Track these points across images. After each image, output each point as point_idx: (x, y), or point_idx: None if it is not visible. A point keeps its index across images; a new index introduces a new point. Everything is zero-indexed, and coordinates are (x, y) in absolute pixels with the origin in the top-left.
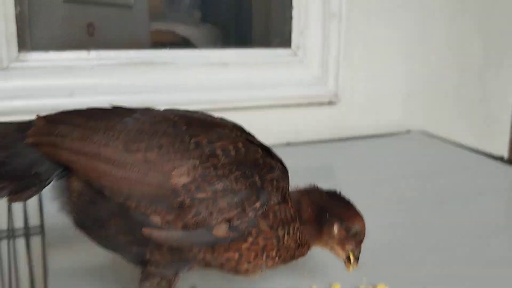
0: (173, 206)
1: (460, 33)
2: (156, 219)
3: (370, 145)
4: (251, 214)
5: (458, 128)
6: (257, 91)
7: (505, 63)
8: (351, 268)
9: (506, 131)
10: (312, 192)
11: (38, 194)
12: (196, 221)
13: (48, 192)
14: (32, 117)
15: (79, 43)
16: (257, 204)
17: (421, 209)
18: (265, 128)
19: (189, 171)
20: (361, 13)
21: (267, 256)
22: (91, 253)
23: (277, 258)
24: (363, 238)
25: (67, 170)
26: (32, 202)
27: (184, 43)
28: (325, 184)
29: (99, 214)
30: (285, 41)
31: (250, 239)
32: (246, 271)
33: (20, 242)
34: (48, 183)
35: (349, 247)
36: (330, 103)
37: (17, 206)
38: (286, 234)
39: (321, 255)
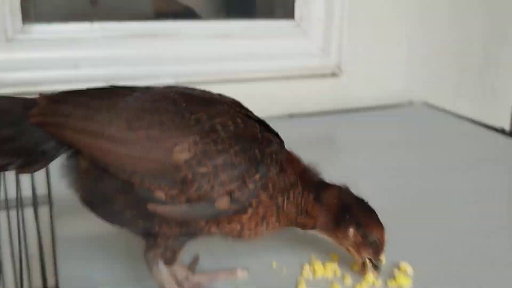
0: (176, 181)
1: (464, 4)
2: (160, 194)
3: (372, 116)
4: (251, 186)
5: (460, 99)
6: (260, 62)
7: (509, 33)
8: (368, 276)
9: (508, 102)
10: (343, 190)
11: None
12: (198, 194)
13: (55, 163)
14: (36, 88)
15: (83, 13)
16: (257, 176)
17: (420, 179)
18: (268, 100)
19: (190, 147)
20: None
21: (267, 223)
22: (97, 222)
23: (277, 224)
24: (382, 248)
25: (73, 149)
26: (39, 172)
27: (187, 12)
28: (326, 155)
29: (105, 191)
30: (288, 12)
31: (250, 210)
32: (249, 237)
33: (29, 211)
34: (55, 159)
35: (366, 254)
36: (333, 74)
37: (25, 176)
38: (286, 199)
39: None
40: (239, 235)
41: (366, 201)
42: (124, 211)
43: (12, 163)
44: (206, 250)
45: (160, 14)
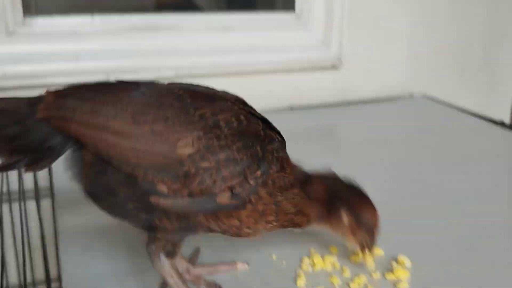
0: (179, 175)
1: None
2: (162, 187)
3: (372, 109)
4: (252, 182)
5: (461, 92)
6: (260, 55)
7: (509, 28)
8: (364, 258)
9: (508, 95)
10: (329, 177)
11: None
12: (200, 189)
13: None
14: (38, 81)
15: (83, 6)
16: (258, 173)
17: (420, 172)
18: (268, 92)
19: (194, 142)
20: None
21: (266, 221)
22: (99, 215)
23: (275, 223)
24: (375, 229)
25: (78, 143)
26: None
27: (187, 5)
28: (326, 148)
29: (109, 183)
30: (289, 5)
31: (249, 206)
32: (248, 235)
33: (31, 204)
34: (61, 155)
35: (360, 235)
36: (333, 67)
37: None
38: (285, 199)
39: None
40: (238, 232)
41: (354, 183)
42: (127, 203)
43: (20, 161)
44: (207, 243)
45: (161, 7)
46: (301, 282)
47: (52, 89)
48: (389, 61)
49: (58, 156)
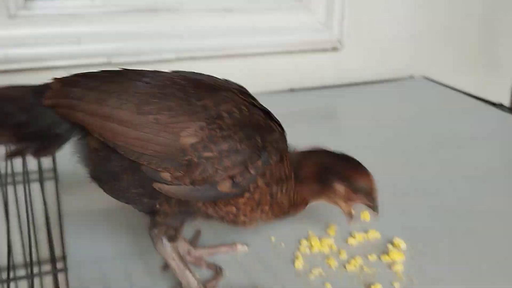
0: (182, 164)
1: None
2: (166, 175)
3: (372, 91)
4: (253, 172)
5: (461, 73)
6: (261, 37)
7: (509, 7)
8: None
9: (509, 76)
10: (317, 153)
11: None
12: (202, 177)
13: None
14: (39, 64)
15: None
16: (259, 163)
17: (418, 153)
18: (269, 74)
19: (197, 132)
20: None
21: (262, 211)
22: (102, 197)
23: (270, 213)
24: (372, 191)
25: (84, 129)
26: None
27: None
28: (327, 129)
29: (113, 169)
30: None
31: (247, 194)
32: (244, 223)
33: (35, 186)
34: (68, 141)
35: (360, 202)
36: (334, 49)
37: None
38: (279, 191)
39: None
40: (234, 220)
41: (343, 154)
42: (130, 189)
43: (28, 148)
44: (207, 225)
45: None
46: (299, 263)
47: (58, 77)
48: (390, 43)
49: (65, 143)
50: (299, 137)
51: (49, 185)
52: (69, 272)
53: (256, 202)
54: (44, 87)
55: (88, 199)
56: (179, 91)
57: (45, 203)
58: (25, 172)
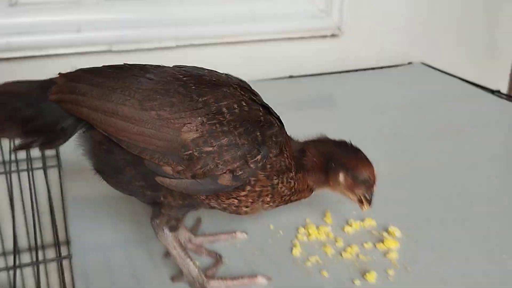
0: (183, 158)
1: None
2: (167, 169)
3: (371, 77)
4: (252, 166)
5: (460, 61)
6: (260, 24)
7: None
8: (364, 208)
9: (507, 63)
10: (321, 142)
11: None
12: (203, 171)
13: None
14: (40, 52)
15: None
16: (258, 157)
17: (416, 140)
18: (268, 61)
19: (198, 127)
20: None
21: (263, 201)
22: (104, 185)
23: (271, 203)
24: (372, 183)
25: (88, 124)
26: None
27: None
28: (326, 115)
29: (116, 163)
30: None
31: (248, 187)
32: (246, 213)
33: (39, 173)
34: (73, 135)
35: (359, 191)
36: (333, 35)
37: None
38: (280, 182)
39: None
40: (236, 210)
41: (348, 143)
42: (133, 181)
43: (35, 141)
44: (208, 213)
45: None
46: (297, 251)
47: (64, 72)
48: (388, 30)
49: (70, 136)
50: (299, 123)
51: (52, 173)
52: (73, 258)
53: (257, 194)
54: (50, 83)
55: (91, 186)
56: (180, 87)
57: (48, 191)
58: (29, 159)
